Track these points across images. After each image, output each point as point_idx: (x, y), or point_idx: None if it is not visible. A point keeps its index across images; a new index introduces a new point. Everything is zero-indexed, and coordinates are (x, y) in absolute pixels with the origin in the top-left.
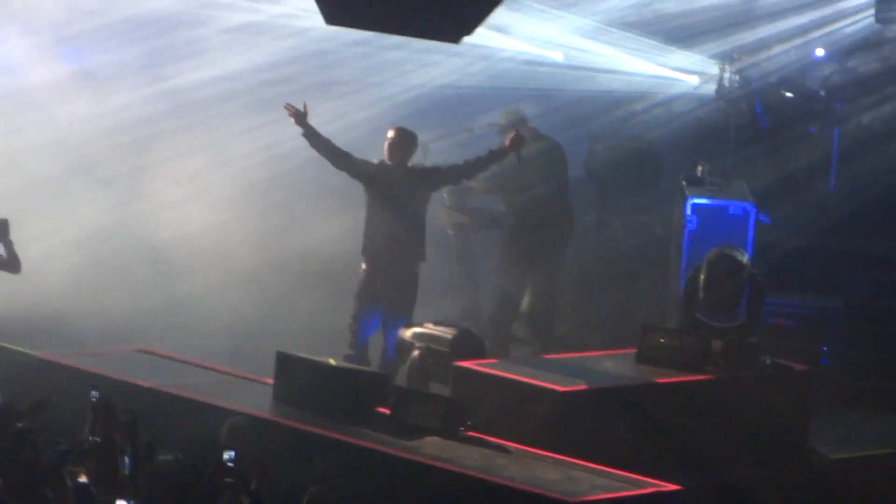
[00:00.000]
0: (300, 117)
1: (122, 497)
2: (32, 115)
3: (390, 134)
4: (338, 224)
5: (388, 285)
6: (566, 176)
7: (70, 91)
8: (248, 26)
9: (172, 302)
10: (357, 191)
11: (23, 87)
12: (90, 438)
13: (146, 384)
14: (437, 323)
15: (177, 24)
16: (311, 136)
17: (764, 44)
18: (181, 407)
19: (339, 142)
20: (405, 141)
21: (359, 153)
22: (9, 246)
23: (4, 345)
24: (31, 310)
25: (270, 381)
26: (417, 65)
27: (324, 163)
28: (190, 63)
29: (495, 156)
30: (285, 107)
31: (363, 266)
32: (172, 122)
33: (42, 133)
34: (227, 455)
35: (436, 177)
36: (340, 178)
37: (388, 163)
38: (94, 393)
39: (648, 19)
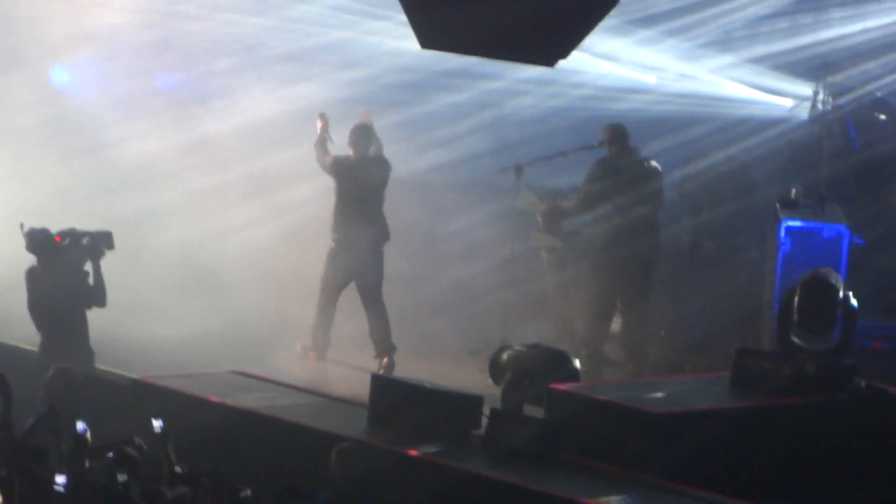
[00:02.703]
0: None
1: None
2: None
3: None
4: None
5: None
6: (661, 197)
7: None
8: (338, 45)
9: (234, 323)
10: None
11: (96, 106)
12: (174, 470)
13: (244, 407)
14: (530, 345)
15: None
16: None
17: (858, 68)
18: (278, 429)
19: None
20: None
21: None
22: (96, 270)
23: (101, 367)
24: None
25: (365, 403)
26: (514, 92)
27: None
28: (265, 87)
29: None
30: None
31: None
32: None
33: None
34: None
35: None
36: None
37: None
38: (156, 423)
39: (741, 41)
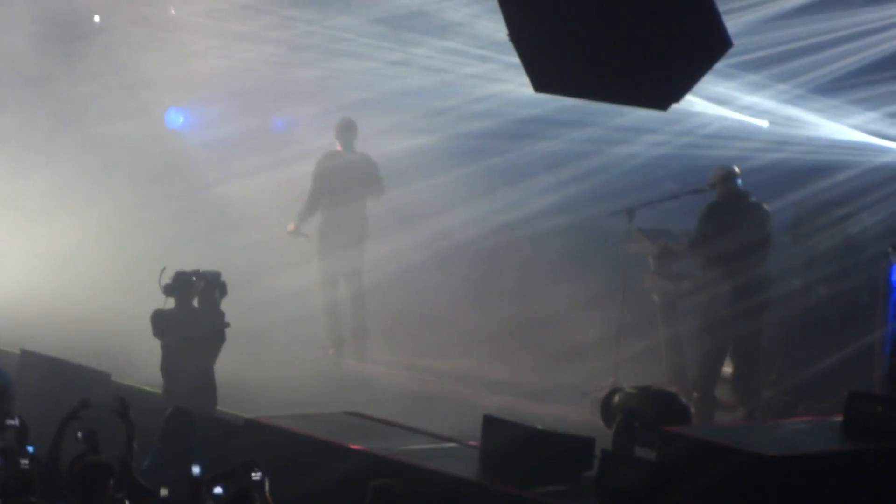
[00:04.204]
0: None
1: None
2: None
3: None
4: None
5: None
6: (769, 240)
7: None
8: (436, 89)
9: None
10: None
11: (208, 147)
12: None
13: (357, 447)
14: (642, 387)
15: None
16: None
17: None
18: (390, 470)
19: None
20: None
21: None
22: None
23: (221, 409)
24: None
25: (476, 443)
26: (618, 140)
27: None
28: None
29: None
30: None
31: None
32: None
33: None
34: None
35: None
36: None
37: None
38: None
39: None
